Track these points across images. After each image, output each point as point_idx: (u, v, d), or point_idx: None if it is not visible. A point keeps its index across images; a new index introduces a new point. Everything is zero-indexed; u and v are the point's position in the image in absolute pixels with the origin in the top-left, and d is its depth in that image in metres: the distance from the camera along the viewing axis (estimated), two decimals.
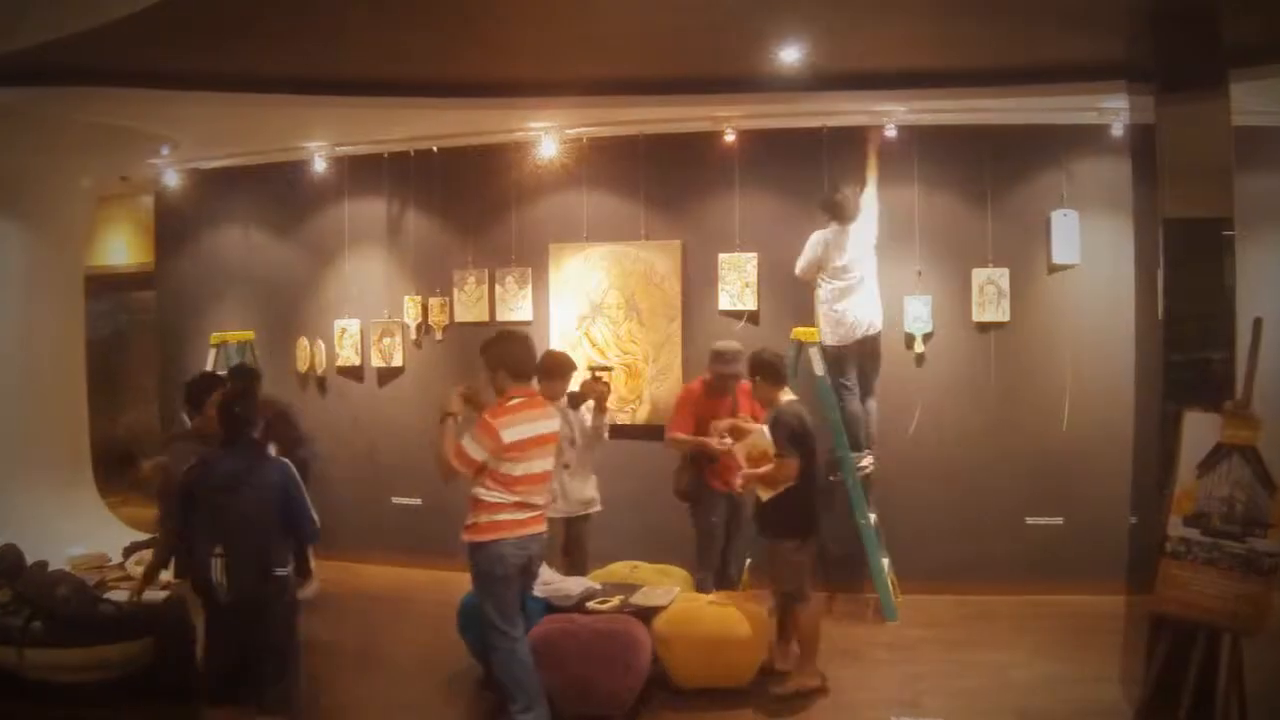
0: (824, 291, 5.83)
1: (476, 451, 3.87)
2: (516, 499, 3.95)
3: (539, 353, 4.43)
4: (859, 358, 5.84)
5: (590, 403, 5.16)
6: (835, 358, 5.79)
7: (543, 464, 4.04)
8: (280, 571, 3.77)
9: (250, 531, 3.69)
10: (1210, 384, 3.97)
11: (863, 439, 5.82)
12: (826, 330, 5.80)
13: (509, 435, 3.89)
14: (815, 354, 5.80)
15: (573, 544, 5.25)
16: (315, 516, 3.91)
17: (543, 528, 4.10)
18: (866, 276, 5.81)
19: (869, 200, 5.93)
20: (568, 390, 5.11)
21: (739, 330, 6.34)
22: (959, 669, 4.93)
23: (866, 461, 5.82)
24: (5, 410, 6.11)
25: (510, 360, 4.05)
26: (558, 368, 5.04)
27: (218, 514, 3.69)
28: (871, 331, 5.82)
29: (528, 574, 4.14)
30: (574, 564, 5.27)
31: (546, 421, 4.08)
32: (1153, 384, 4.30)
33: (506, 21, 4.69)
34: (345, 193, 7.23)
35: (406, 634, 5.54)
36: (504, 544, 3.93)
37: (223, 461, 3.81)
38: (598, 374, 5.09)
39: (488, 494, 3.92)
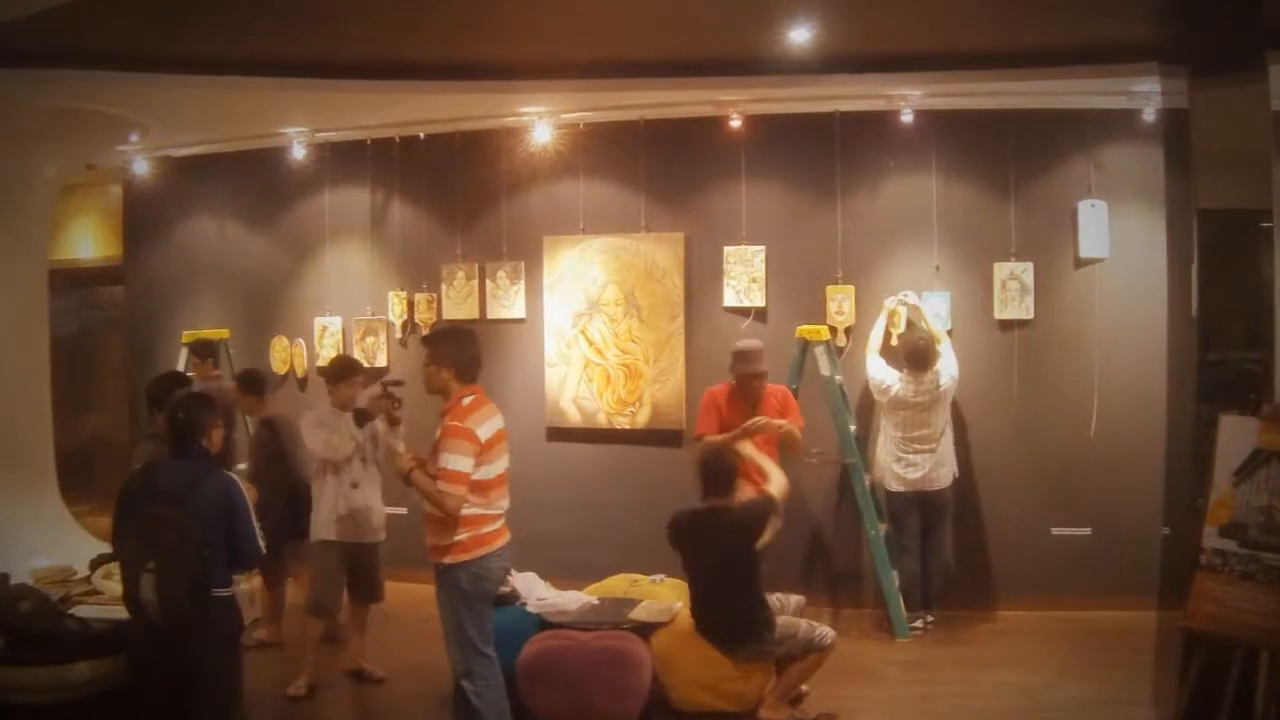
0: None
1: (465, 464, 3.84)
2: (494, 510, 3.98)
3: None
4: (921, 510, 5.79)
5: (380, 419, 4.93)
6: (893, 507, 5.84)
7: (504, 463, 4.07)
8: (221, 592, 3.65)
9: (188, 547, 3.53)
10: (1247, 385, 3.98)
11: (918, 599, 5.76)
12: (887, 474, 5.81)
13: (482, 433, 3.91)
14: (821, 352, 5.82)
15: (356, 573, 5.20)
16: (259, 540, 3.72)
17: (508, 538, 4.11)
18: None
19: (946, 349, 5.84)
20: (355, 401, 5.15)
21: (745, 328, 6.35)
22: (980, 689, 4.92)
23: (920, 623, 5.74)
24: None
25: (461, 360, 4.07)
26: (345, 370, 5.17)
27: (154, 526, 3.55)
28: (935, 486, 5.75)
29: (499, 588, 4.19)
30: (360, 595, 5.24)
31: (499, 419, 4.10)
32: (1186, 385, 4.31)
33: None
34: (326, 182, 7.23)
35: (394, 651, 5.54)
36: (490, 559, 3.95)
37: (167, 471, 3.71)
38: (388, 388, 4.74)
39: (469, 509, 3.89)
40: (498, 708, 3.99)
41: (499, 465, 4.02)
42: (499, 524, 4.03)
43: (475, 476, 3.87)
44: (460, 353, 4.08)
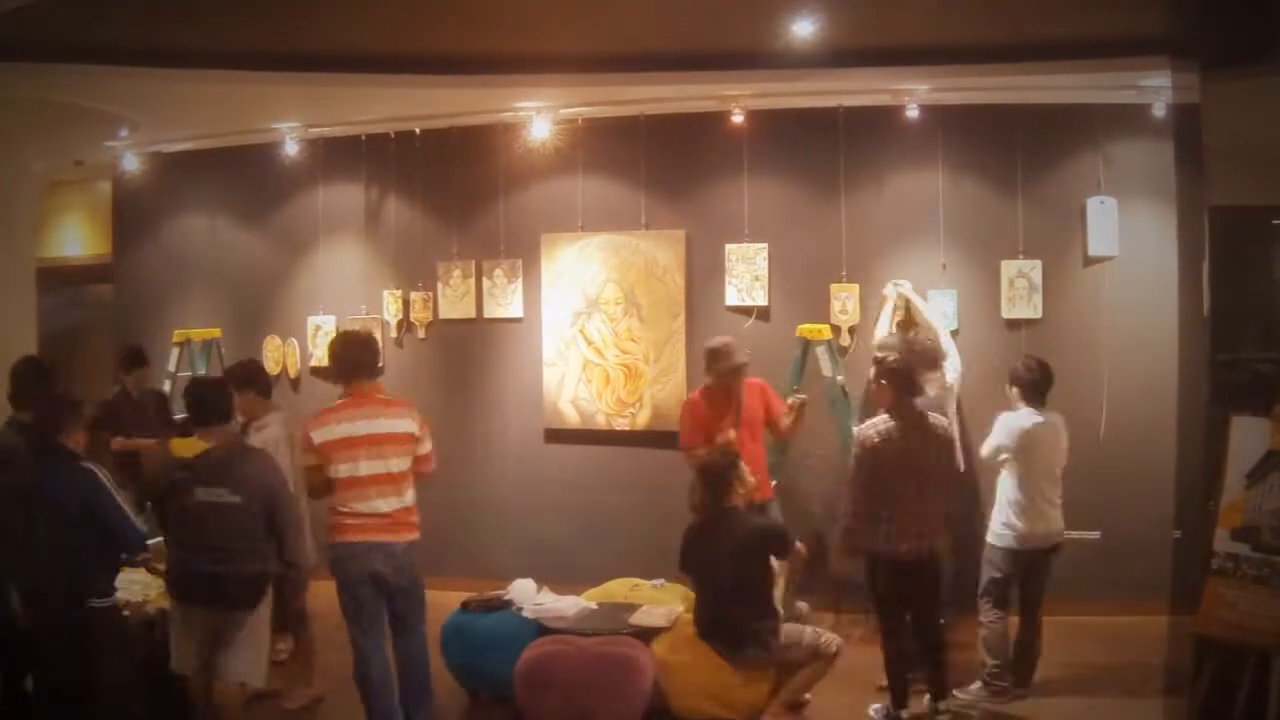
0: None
1: (301, 457, 4.23)
2: (348, 508, 4.14)
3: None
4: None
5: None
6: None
7: (370, 466, 4.14)
8: (99, 602, 3.54)
9: (52, 549, 3.43)
10: (1260, 386, 3.97)
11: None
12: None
13: (317, 437, 4.13)
14: (823, 353, 5.81)
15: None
16: (137, 525, 3.71)
17: (388, 538, 4.14)
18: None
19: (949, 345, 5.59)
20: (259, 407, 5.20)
21: (748, 328, 6.34)
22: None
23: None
24: None
25: (333, 361, 4.38)
26: (251, 377, 5.25)
27: (7, 529, 3.46)
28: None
29: (385, 586, 4.17)
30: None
31: (369, 421, 4.17)
32: (1197, 386, 4.31)
33: None
34: (319, 178, 7.23)
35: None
36: (339, 548, 4.14)
37: (16, 468, 3.61)
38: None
39: (332, 499, 4.20)
40: (367, 695, 4.11)
41: (352, 468, 4.12)
42: (356, 520, 4.13)
43: (328, 474, 4.13)
44: (332, 354, 4.41)
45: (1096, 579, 5.98)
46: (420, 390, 6.55)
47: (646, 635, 4.62)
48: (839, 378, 5.86)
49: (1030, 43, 5.28)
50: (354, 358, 4.30)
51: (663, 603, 4.98)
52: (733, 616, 4.44)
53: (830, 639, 4.50)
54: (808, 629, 4.57)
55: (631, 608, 4.90)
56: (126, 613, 4.03)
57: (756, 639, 4.41)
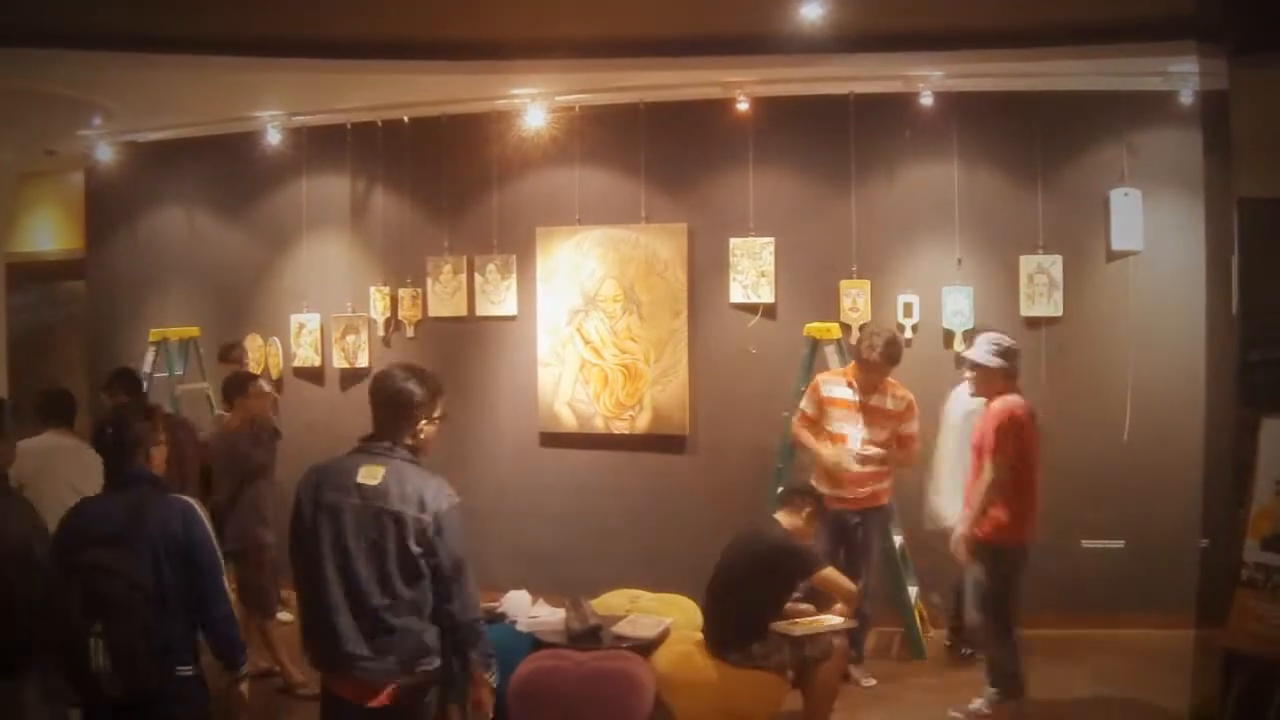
0: None
1: None
2: None
3: None
4: None
5: None
6: None
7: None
8: (182, 670, 3.06)
9: (139, 602, 2.98)
10: None
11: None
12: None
13: None
14: (833, 353, 5.82)
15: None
16: (227, 598, 3.18)
17: None
18: None
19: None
20: None
21: (753, 326, 6.35)
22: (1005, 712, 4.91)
23: None
24: None
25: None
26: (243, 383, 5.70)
27: (93, 575, 2.99)
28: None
29: None
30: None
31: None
32: (1226, 387, 4.31)
33: None
34: (303, 168, 7.23)
35: None
36: None
37: (103, 504, 3.14)
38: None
39: None
40: None
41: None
42: None
43: None
44: None
45: (1120, 590, 5.99)
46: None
47: (647, 649, 4.62)
48: None
49: (1051, 26, 5.28)
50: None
51: (669, 615, 4.97)
52: (727, 623, 4.48)
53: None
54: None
55: (615, 619, 4.89)
56: None
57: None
